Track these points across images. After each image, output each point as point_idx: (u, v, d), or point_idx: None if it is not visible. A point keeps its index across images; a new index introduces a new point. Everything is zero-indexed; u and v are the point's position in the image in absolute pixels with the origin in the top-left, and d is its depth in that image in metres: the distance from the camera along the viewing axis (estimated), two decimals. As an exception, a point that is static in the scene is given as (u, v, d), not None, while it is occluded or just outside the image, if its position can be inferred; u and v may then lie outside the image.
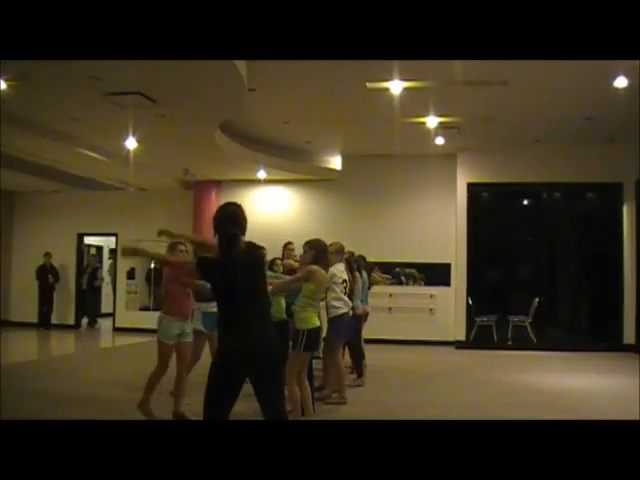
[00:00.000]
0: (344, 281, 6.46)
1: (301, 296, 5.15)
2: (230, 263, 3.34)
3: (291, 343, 5.17)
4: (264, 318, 3.42)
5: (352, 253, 7.49)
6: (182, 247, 5.58)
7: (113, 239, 14.68)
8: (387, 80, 7.81)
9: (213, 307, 6.17)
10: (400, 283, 12.40)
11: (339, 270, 6.43)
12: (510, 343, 11.81)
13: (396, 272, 12.39)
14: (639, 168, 10.50)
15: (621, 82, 7.51)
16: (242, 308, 3.32)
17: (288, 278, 5.72)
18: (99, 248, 17.17)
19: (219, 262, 3.42)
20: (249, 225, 3.50)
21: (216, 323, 6.05)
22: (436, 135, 10.57)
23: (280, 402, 3.40)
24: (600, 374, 8.73)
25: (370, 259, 8.75)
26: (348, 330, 6.57)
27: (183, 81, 6.88)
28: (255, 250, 3.47)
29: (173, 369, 5.63)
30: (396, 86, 7.97)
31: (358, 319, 7.41)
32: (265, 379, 3.31)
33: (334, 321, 6.33)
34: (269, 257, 5.76)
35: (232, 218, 3.43)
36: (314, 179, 12.56)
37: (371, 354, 8.32)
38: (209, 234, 9.24)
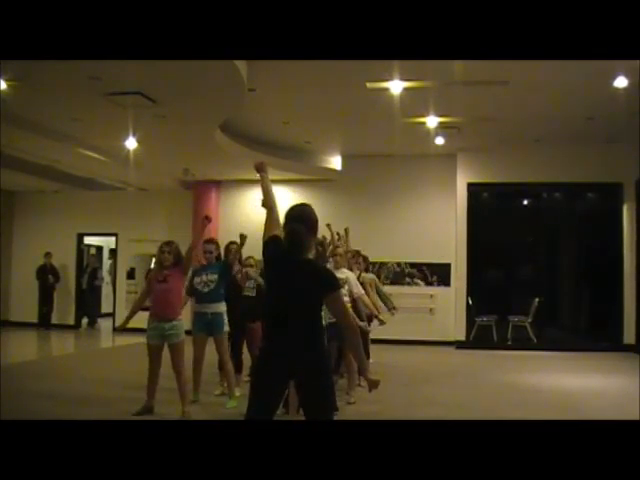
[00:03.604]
0: None
1: None
2: (293, 264, 3.17)
3: None
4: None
5: (357, 252, 7.55)
6: (165, 247, 5.70)
7: (113, 239, 14.69)
8: (387, 80, 7.81)
9: (204, 308, 6.23)
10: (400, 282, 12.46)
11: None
12: (510, 343, 11.81)
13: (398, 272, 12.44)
14: (639, 168, 10.51)
15: (621, 82, 7.52)
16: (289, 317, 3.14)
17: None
18: (99, 248, 17.17)
19: (281, 256, 3.22)
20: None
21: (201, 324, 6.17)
22: (436, 135, 10.58)
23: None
24: (600, 374, 8.73)
25: (370, 259, 8.77)
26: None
27: (183, 81, 6.88)
28: (319, 268, 3.20)
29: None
30: (396, 86, 7.97)
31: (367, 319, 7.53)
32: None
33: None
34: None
35: (295, 217, 3.25)
36: (314, 179, 12.56)
37: (371, 354, 8.33)
38: (209, 234, 9.14)
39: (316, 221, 3.30)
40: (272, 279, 3.27)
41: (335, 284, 3.20)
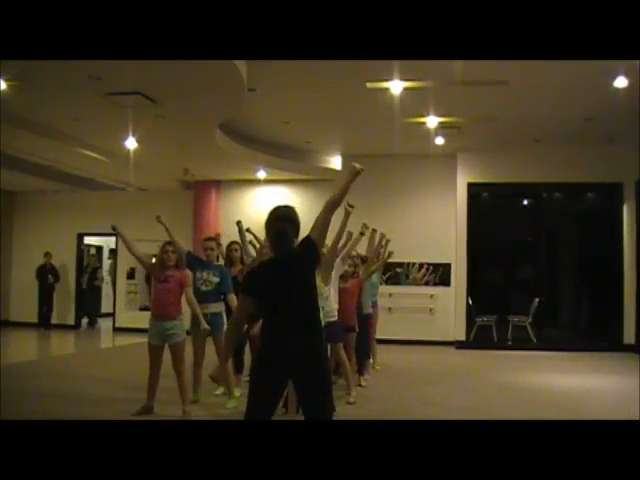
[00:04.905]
0: None
1: None
2: (277, 264, 3.24)
3: None
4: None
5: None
6: (169, 247, 5.71)
7: (113, 239, 14.67)
8: (387, 80, 7.81)
9: (203, 308, 6.19)
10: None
11: None
12: (510, 343, 11.81)
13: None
14: (639, 168, 10.51)
15: (621, 82, 7.51)
16: (287, 313, 3.17)
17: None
18: (99, 248, 17.18)
19: (265, 267, 3.37)
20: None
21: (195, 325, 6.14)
22: (436, 135, 10.57)
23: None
24: (600, 374, 8.73)
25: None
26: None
27: (183, 81, 6.88)
28: (308, 247, 3.24)
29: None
30: (396, 86, 7.96)
31: (368, 318, 7.59)
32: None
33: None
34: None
35: (282, 217, 3.35)
36: (314, 179, 12.56)
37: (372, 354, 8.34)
38: (208, 234, 9.14)
39: (299, 224, 3.40)
40: (265, 294, 3.25)
41: (309, 240, 3.29)
